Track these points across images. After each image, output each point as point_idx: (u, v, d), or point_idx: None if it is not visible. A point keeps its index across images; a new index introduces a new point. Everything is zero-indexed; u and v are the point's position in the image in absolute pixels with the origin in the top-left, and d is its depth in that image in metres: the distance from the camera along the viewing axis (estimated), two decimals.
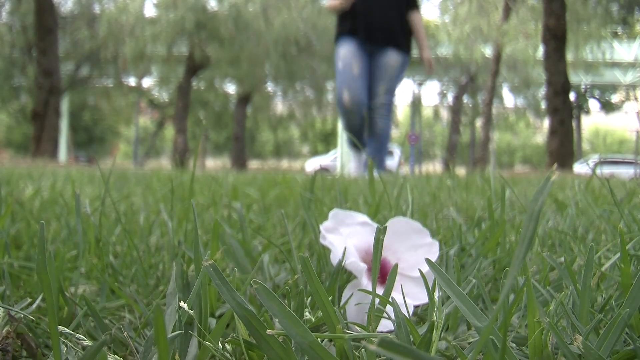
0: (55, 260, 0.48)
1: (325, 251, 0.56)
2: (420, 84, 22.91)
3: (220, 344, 0.36)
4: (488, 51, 18.39)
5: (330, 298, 0.35)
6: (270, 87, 20.93)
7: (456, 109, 20.76)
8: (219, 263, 0.57)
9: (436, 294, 0.38)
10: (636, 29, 17.26)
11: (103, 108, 24.33)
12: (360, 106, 3.57)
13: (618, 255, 0.49)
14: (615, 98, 25.94)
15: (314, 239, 0.62)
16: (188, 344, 0.35)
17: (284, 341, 0.32)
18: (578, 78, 21.12)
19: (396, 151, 17.35)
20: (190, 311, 0.36)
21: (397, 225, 0.52)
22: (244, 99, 19.29)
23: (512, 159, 32.37)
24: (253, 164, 22.96)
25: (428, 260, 0.37)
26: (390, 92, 3.72)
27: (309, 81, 19.40)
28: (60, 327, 0.37)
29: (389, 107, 3.74)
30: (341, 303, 0.45)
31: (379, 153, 3.69)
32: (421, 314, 0.51)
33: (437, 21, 20.89)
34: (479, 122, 20.67)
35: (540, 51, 12.73)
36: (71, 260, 0.61)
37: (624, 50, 20.95)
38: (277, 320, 0.32)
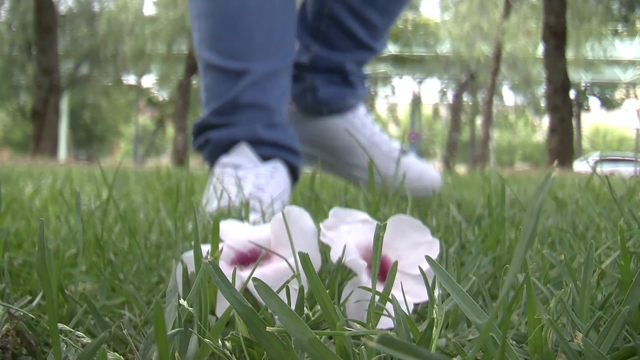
0: (55, 258, 0.48)
1: (325, 249, 0.56)
2: (420, 82, 22.88)
3: (220, 342, 0.36)
4: (488, 49, 18.38)
5: (330, 295, 0.35)
6: None
7: (456, 107, 20.74)
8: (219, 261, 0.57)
9: (436, 292, 0.38)
10: (637, 27, 17.25)
11: (103, 106, 24.32)
12: None
13: (618, 252, 0.49)
14: (615, 96, 25.92)
15: None
16: (188, 342, 0.35)
17: (284, 338, 0.32)
18: (578, 76, 21.11)
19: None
20: (190, 309, 0.36)
21: (398, 223, 0.52)
22: None
23: (512, 157, 32.34)
24: None
25: (428, 258, 0.37)
26: None
27: None
28: (60, 325, 0.37)
29: None
30: (341, 300, 0.45)
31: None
32: (421, 311, 0.51)
33: (437, 19, 20.86)
34: (479, 120, 20.66)
35: (541, 49, 12.72)
36: (71, 258, 0.61)
37: (624, 48, 20.93)
38: (276, 317, 0.31)
